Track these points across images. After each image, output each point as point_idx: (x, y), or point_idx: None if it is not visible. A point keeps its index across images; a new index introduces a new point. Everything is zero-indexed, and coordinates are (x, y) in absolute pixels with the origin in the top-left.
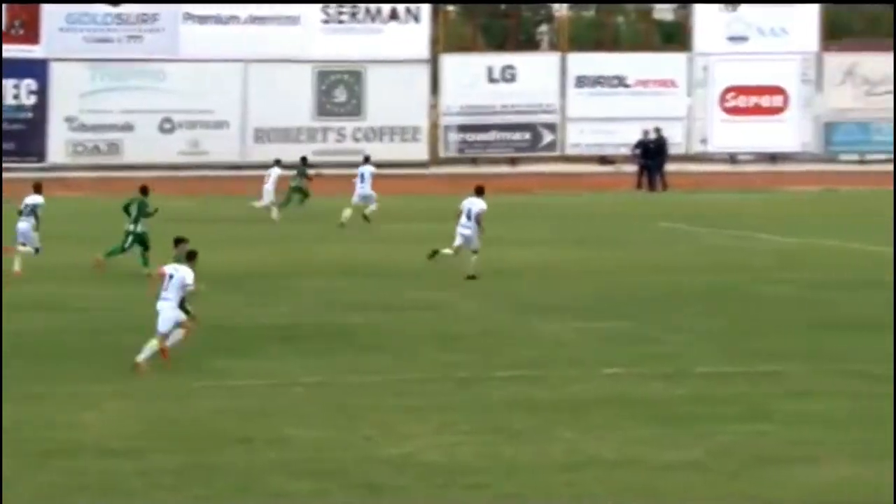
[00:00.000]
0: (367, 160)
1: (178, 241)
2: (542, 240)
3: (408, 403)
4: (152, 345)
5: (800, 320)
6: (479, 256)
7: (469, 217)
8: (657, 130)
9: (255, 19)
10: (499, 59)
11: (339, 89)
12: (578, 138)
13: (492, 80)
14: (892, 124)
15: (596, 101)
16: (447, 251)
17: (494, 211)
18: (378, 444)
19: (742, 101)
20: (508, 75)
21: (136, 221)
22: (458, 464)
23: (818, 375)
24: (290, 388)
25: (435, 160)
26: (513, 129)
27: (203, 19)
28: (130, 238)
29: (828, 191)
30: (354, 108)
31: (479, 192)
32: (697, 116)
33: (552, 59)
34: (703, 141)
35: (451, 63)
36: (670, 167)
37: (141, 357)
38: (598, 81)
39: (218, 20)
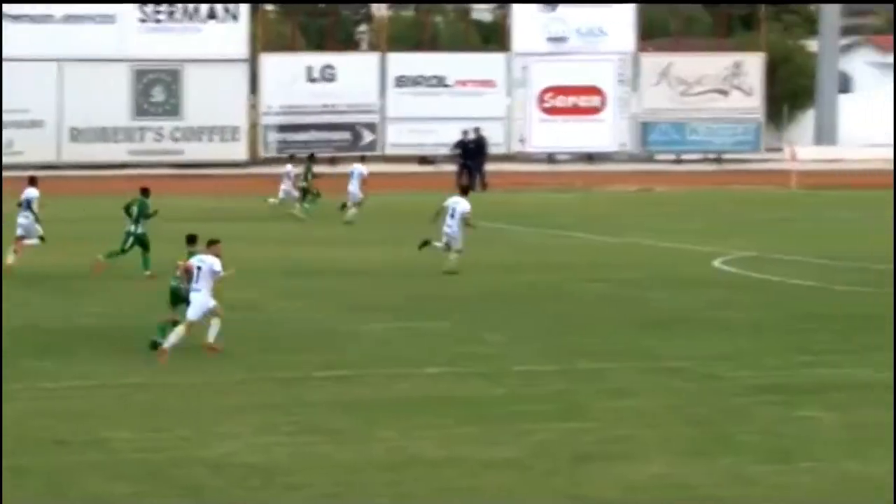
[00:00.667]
0: (362, 160)
1: (192, 239)
2: (362, 240)
3: (227, 404)
4: (179, 331)
5: (617, 319)
6: (459, 255)
7: (453, 216)
8: (476, 130)
9: (69, 18)
10: (318, 59)
11: (157, 89)
12: (398, 138)
13: (311, 79)
14: (706, 125)
15: (416, 101)
16: (438, 244)
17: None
18: (196, 445)
19: (560, 101)
20: (328, 75)
21: (136, 222)
22: (277, 464)
23: (635, 373)
24: (106, 390)
25: (255, 160)
26: (332, 129)
27: (16, 18)
28: (131, 239)
29: (644, 190)
30: (172, 107)
31: (465, 191)
32: (516, 116)
33: (372, 58)
34: (522, 140)
35: (271, 62)
36: (490, 167)
37: (168, 344)
38: (417, 81)
39: (32, 19)
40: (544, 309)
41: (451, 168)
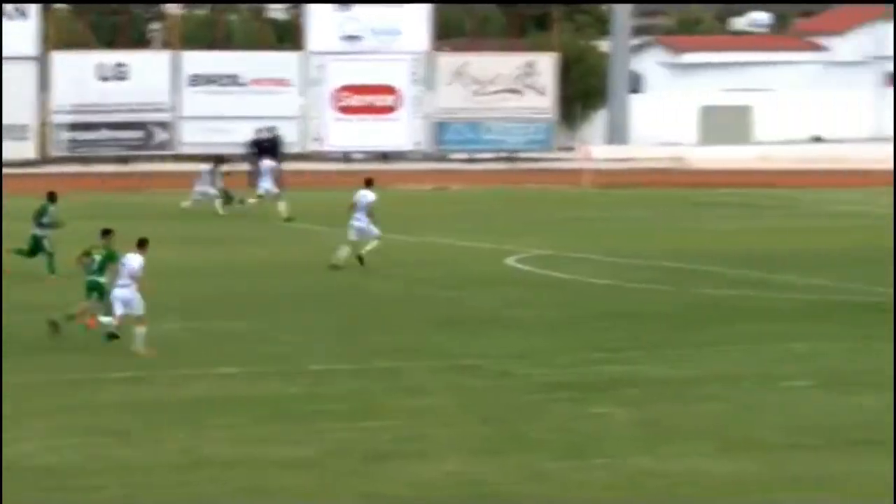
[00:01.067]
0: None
1: (106, 232)
2: (155, 239)
3: (18, 406)
4: (140, 332)
5: (412, 317)
6: (379, 241)
7: (361, 209)
8: (271, 129)
9: None
10: (110, 57)
11: None
12: (193, 137)
13: (103, 77)
14: (499, 124)
15: (210, 100)
16: (343, 253)
17: (105, 210)
18: None
19: (355, 101)
20: (120, 73)
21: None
22: (70, 466)
23: (430, 372)
24: None
25: (45, 159)
26: (124, 128)
27: None
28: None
29: (439, 189)
30: None
31: (369, 184)
32: (312, 115)
33: (164, 57)
34: (318, 139)
35: (62, 61)
36: (286, 166)
37: (139, 345)
38: (211, 80)
39: None
40: (340, 308)
41: (247, 167)
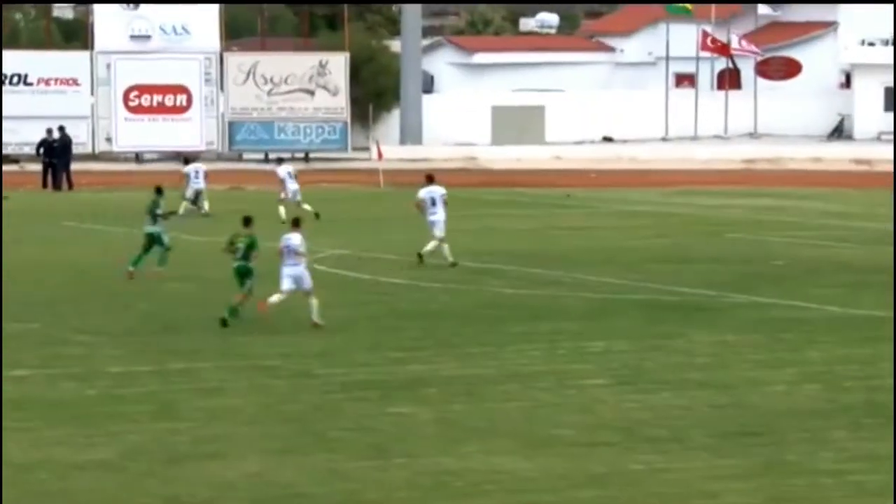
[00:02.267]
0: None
1: (248, 221)
2: None
3: None
4: (314, 303)
5: (205, 318)
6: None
7: (434, 203)
8: (61, 129)
9: None
10: None
11: None
12: None
13: None
14: (293, 124)
15: None
16: (430, 247)
17: None
18: None
19: (146, 100)
20: None
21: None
22: None
23: (228, 372)
24: None
25: None
26: None
27: None
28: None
29: (235, 189)
30: None
31: (431, 179)
32: (102, 115)
33: None
34: (109, 139)
35: None
36: (77, 166)
37: (316, 317)
38: None
39: None
40: (134, 308)
41: (37, 167)
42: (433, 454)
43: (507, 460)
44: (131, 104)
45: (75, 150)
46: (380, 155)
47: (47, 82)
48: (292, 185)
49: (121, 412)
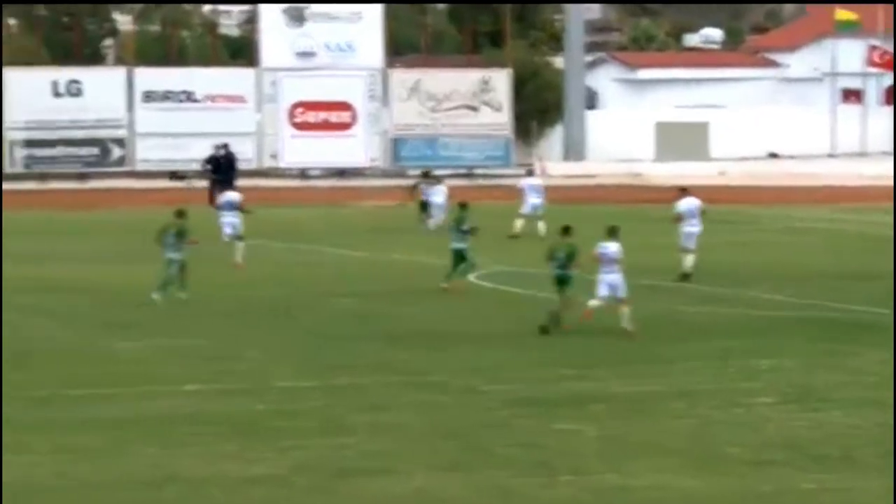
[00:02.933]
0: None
1: (566, 230)
2: (112, 255)
3: None
4: (625, 312)
5: (371, 333)
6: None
7: (694, 215)
8: (225, 146)
9: None
10: (63, 74)
11: None
12: (148, 154)
13: (57, 94)
14: (457, 140)
15: (165, 117)
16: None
17: (61, 227)
18: None
19: (311, 117)
20: (74, 90)
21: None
22: (36, 484)
23: (393, 388)
24: None
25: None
26: (81, 144)
27: None
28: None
29: (401, 205)
30: None
31: (685, 191)
32: (267, 132)
33: (118, 73)
34: (274, 156)
35: (15, 77)
36: (242, 182)
37: (626, 323)
38: (166, 96)
39: None
40: (299, 324)
41: (204, 184)
42: (599, 471)
43: (674, 478)
44: (296, 121)
45: (241, 166)
46: (543, 171)
47: (213, 99)
48: (534, 200)
49: (289, 427)
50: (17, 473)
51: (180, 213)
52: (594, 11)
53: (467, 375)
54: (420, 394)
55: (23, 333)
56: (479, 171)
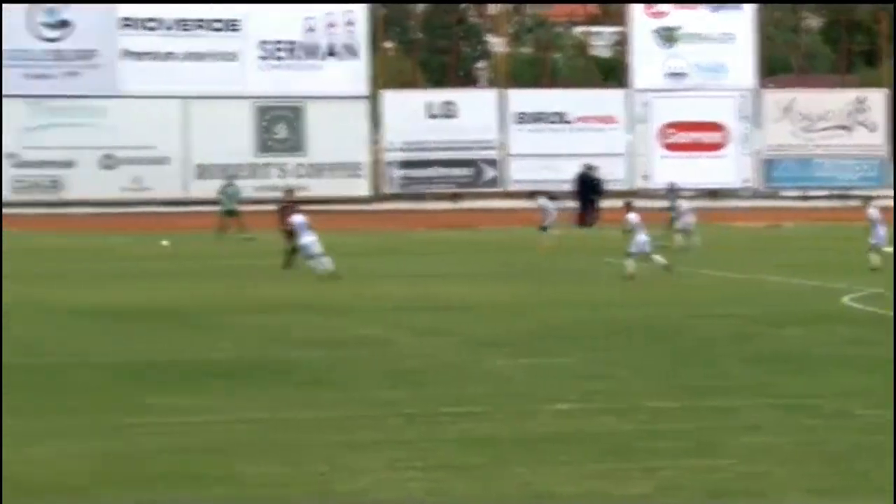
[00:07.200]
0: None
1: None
2: (485, 275)
3: (357, 439)
4: None
5: (741, 354)
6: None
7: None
8: (590, 167)
9: (192, 56)
10: (438, 95)
11: (280, 125)
12: (521, 174)
13: (432, 115)
14: (830, 161)
15: (537, 138)
16: None
17: (437, 247)
18: (331, 480)
19: (682, 137)
20: (448, 111)
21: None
22: (412, 499)
23: (764, 409)
24: (234, 425)
25: (378, 196)
26: (454, 165)
27: (140, 56)
28: None
29: (772, 227)
30: (296, 144)
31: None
32: (638, 152)
33: (491, 95)
34: (646, 177)
35: (391, 99)
36: (611, 203)
37: None
38: (538, 118)
39: (156, 56)
40: (667, 344)
41: (573, 204)
42: None
43: None
44: (667, 141)
45: (611, 186)
46: None
47: (585, 120)
48: (883, 230)
49: (657, 447)
50: (391, 490)
51: None
52: None
53: (841, 399)
54: (792, 416)
55: (400, 351)
56: (854, 192)
